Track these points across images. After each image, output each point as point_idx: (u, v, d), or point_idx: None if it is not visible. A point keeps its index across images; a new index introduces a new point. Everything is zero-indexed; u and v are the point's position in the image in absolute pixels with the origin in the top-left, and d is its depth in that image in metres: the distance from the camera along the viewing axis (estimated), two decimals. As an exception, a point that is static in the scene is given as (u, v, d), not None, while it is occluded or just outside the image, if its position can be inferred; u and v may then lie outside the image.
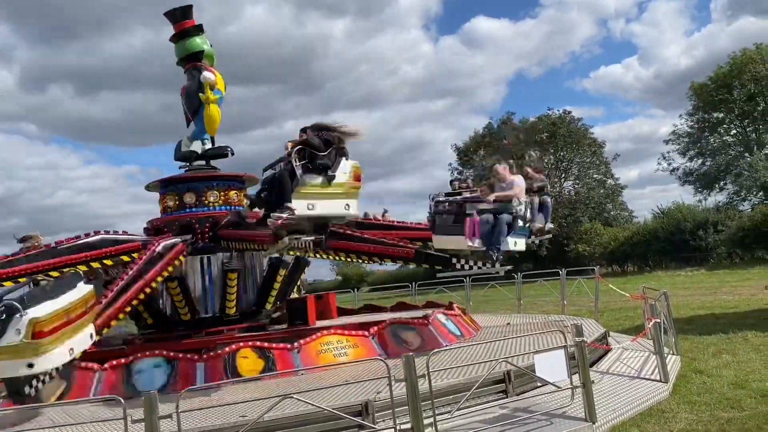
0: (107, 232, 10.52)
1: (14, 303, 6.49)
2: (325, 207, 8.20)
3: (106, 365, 8.44)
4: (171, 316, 11.33)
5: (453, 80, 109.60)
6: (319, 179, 8.14)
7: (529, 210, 9.93)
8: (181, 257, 10.34)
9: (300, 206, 7.88)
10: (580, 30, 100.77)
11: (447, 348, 9.41)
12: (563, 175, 56.53)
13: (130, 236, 10.81)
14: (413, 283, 24.25)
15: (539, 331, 9.77)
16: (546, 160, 55.79)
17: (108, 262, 10.17)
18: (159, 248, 9.93)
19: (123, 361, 8.50)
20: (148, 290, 9.49)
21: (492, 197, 9.56)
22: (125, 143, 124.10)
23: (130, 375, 8.33)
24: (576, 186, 56.69)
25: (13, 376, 6.74)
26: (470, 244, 9.22)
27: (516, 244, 9.62)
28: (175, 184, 11.90)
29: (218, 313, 11.14)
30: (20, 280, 8.81)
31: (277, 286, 11.63)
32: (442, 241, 9.51)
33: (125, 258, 10.15)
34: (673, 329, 10.41)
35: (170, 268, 9.99)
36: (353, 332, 9.68)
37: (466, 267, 10.21)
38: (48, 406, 7.86)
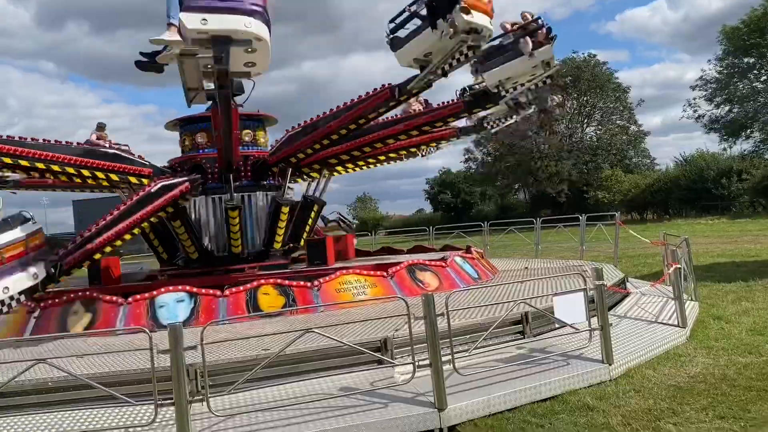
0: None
1: None
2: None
3: (130, 299, 8.62)
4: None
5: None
6: None
7: None
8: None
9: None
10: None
11: (465, 289, 9.48)
12: (586, 121, 55.68)
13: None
14: (431, 228, 24.33)
15: (557, 275, 9.79)
16: (569, 105, 54.85)
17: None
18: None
19: (147, 295, 8.67)
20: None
21: None
22: (143, 83, 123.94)
23: (154, 309, 8.50)
24: (598, 132, 55.88)
25: None
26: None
27: None
28: (192, 124, 11.90)
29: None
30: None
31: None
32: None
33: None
34: (693, 276, 10.38)
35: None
36: (372, 272, 9.76)
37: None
38: (75, 336, 8.12)
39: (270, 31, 7.51)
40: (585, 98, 54.44)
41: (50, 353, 7.08)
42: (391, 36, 8.88)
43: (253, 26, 7.22)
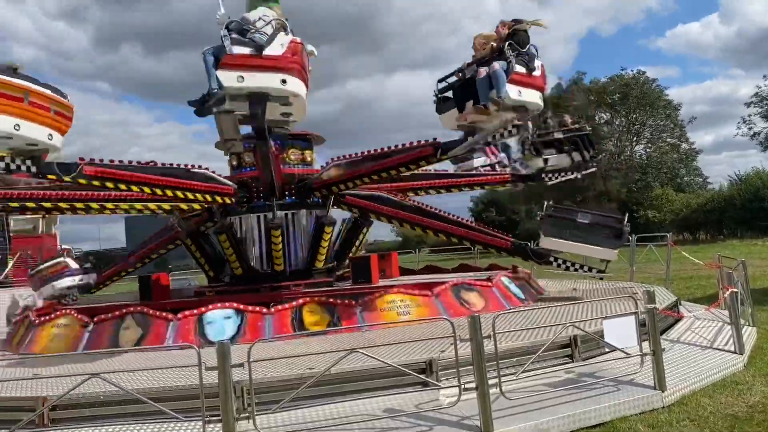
0: (213, 172, 10.90)
1: None
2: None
3: (179, 315, 8.79)
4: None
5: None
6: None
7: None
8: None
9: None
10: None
11: (512, 310, 9.34)
12: (635, 139, 54.58)
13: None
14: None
15: (607, 297, 9.56)
16: (617, 123, 53.92)
17: (209, 198, 10.52)
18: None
19: (195, 311, 8.83)
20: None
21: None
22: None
23: (202, 325, 8.65)
24: (648, 150, 54.66)
25: None
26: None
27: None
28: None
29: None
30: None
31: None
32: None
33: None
34: (750, 299, 9.99)
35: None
36: (416, 291, 9.71)
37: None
38: (125, 351, 8.32)
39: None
40: (634, 116, 53.36)
41: (102, 367, 7.25)
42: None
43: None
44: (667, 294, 10.95)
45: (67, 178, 8.38)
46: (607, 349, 7.18)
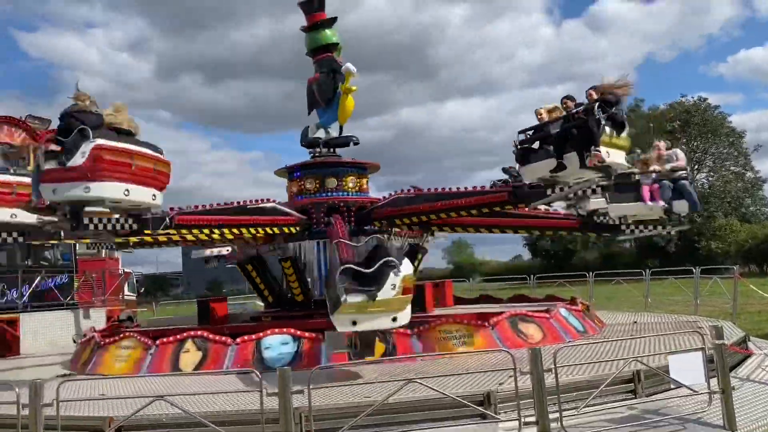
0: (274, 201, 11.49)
1: (394, 259, 7.33)
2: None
3: (238, 340, 8.95)
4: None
5: (575, 65, 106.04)
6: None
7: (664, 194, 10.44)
8: (292, 230, 11.22)
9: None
10: (719, 11, 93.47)
11: (572, 344, 9.13)
12: (696, 167, 52.94)
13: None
14: (531, 276, 23.72)
15: (671, 332, 9.25)
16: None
17: (276, 230, 11.08)
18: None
19: (254, 336, 8.97)
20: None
21: (658, 168, 10.61)
22: (249, 130, 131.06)
23: (260, 350, 8.78)
24: (710, 179, 52.95)
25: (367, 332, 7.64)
26: (651, 206, 10.32)
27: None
28: (301, 170, 12.41)
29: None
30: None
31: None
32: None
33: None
34: (826, 337, 9.50)
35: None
36: (473, 322, 9.61)
37: (636, 231, 11.24)
38: (186, 375, 8.52)
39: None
40: (695, 143, 51.91)
41: (164, 389, 7.44)
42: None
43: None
44: (734, 329, 10.51)
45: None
46: (672, 386, 6.95)
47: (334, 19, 12.54)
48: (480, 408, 6.15)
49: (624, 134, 8.51)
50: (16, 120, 17.27)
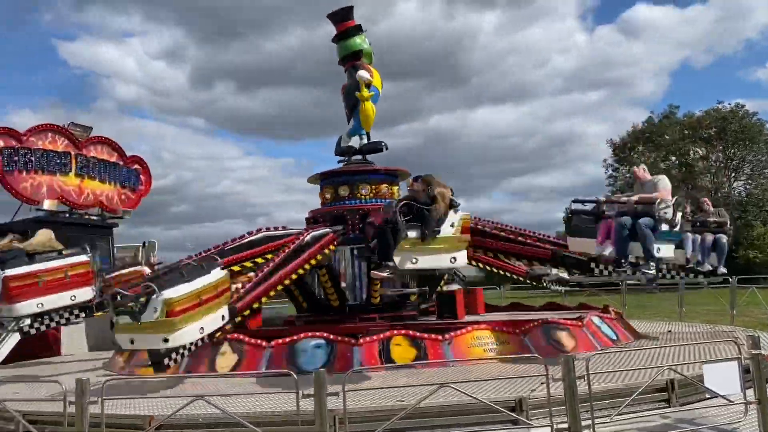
0: (268, 229, 11.36)
1: (152, 285, 7.60)
2: (428, 261, 8.30)
3: (273, 343, 9.13)
4: (323, 301, 12.04)
5: (608, 71, 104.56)
6: (421, 234, 8.42)
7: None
8: (331, 246, 11.04)
9: (402, 260, 8.06)
10: (757, 14, 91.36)
11: (605, 351, 9.10)
12: (733, 175, 51.93)
13: (288, 231, 11.57)
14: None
15: (706, 341, 9.16)
16: (714, 158, 51.58)
17: (270, 256, 10.88)
18: (307, 238, 10.67)
19: (288, 340, 9.15)
20: (293, 276, 10.29)
21: (633, 199, 9.26)
22: (281, 137, 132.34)
23: (293, 354, 8.94)
24: (748, 187, 51.83)
25: (153, 349, 7.85)
26: (601, 250, 9.11)
27: (660, 250, 9.02)
28: (332, 178, 12.60)
29: (365, 302, 11.66)
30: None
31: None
32: (576, 244, 9.19)
33: (327, 252, 11.08)
34: None
35: (318, 257, 10.68)
36: (504, 329, 9.65)
37: (605, 273, 10.03)
38: (222, 376, 8.73)
39: None
40: (732, 151, 50.93)
41: (202, 391, 7.65)
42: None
43: None
44: (773, 340, 10.33)
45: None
46: (707, 396, 6.90)
47: (359, 27, 12.69)
48: (512, 414, 6.20)
49: (453, 230, 8.68)
50: (59, 127, 17.97)
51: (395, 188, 12.65)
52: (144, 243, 25.65)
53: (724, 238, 10.24)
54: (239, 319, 9.30)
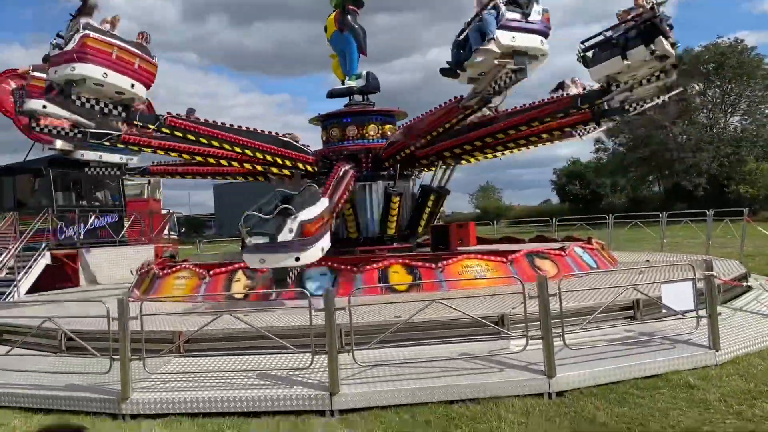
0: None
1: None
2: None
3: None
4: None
5: (607, 4, 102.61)
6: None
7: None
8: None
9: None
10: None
11: (579, 274, 10.02)
12: (729, 110, 52.11)
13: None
14: (553, 219, 24.45)
15: (670, 265, 10.07)
16: (710, 93, 51.64)
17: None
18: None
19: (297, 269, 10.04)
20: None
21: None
22: (275, 72, 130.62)
23: (302, 280, 9.86)
24: (744, 122, 52.09)
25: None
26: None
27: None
28: (337, 118, 13.21)
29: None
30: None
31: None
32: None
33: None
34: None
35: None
36: (492, 257, 10.51)
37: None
38: (244, 298, 9.68)
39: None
40: (729, 86, 50.96)
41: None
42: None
43: (545, 44, 9.03)
44: (738, 266, 11.27)
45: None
46: (669, 315, 7.80)
47: None
48: (496, 326, 7.13)
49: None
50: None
51: (387, 127, 13.25)
52: (149, 181, 26.51)
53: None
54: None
